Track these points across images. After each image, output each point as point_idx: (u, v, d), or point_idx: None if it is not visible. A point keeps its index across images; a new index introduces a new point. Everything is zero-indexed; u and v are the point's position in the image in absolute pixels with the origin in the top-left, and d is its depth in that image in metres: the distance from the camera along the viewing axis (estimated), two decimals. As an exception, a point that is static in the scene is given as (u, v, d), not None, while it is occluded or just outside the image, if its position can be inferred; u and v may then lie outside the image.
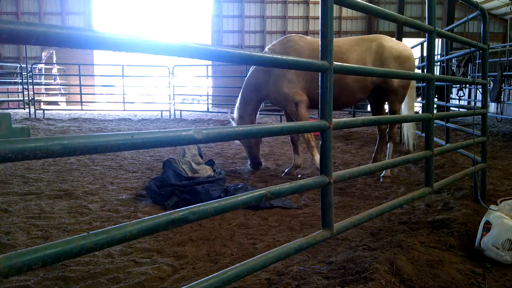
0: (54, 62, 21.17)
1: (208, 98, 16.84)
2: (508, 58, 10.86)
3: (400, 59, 5.24)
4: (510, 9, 19.19)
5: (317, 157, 5.22)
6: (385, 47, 5.26)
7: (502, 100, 10.39)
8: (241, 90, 5.83)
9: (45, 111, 14.92)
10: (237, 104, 5.90)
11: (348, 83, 5.13)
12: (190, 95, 22.97)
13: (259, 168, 6.04)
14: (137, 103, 17.68)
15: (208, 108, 15.98)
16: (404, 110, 5.84)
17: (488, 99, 10.16)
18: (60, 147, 1.04)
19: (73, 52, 21.92)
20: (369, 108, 17.80)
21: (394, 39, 5.55)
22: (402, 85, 5.32)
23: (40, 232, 3.34)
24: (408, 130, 6.19)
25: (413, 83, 5.39)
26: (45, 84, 20.81)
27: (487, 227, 2.76)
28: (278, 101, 5.51)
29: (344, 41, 5.42)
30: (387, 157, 5.53)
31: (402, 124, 5.87)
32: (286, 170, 5.78)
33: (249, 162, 6.09)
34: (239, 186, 4.57)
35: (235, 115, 5.96)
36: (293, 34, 5.58)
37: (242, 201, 1.61)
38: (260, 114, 6.27)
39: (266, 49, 5.65)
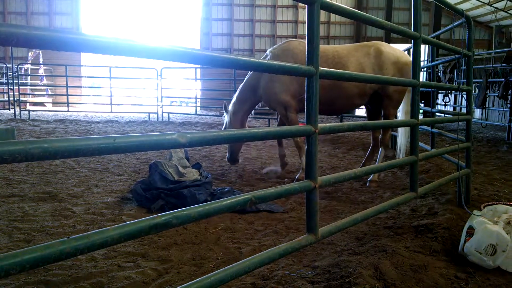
0: (41, 62, 20.90)
1: (196, 101, 16.79)
2: (493, 65, 11.03)
3: (398, 64, 5.27)
4: (495, 16, 19.53)
5: (303, 158, 5.28)
6: (383, 52, 5.29)
7: (487, 106, 10.54)
8: (240, 87, 5.99)
9: (31, 112, 14.73)
10: (233, 100, 6.05)
11: (345, 87, 5.14)
12: (178, 97, 22.90)
13: (235, 164, 6.31)
14: (124, 105, 17.54)
15: (196, 111, 15.94)
16: (401, 115, 5.87)
17: (473, 105, 10.31)
18: (40, 151, 1.02)
19: (60, 53, 21.64)
20: (356, 113, 17.93)
21: (391, 45, 5.59)
22: (397, 91, 5.35)
23: (22, 235, 3.29)
24: (402, 139, 6.07)
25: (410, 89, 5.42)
26: (31, 85, 20.54)
27: (471, 232, 2.79)
28: (270, 103, 5.67)
29: (343, 47, 5.52)
30: (377, 162, 5.55)
31: (398, 132, 5.85)
32: (271, 168, 6.09)
33: (227, 155, 6.27)
34: (225, 189, 4.56)
35: (230, 109, 6.07)
36: (294, 39, 5.67)
37: (226, 205, 1.60)
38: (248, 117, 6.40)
39: (267, 51, 5.74)
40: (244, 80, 5.93)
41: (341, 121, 13.45)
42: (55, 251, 1.08)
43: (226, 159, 6.29)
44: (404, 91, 5.46)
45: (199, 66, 15.90)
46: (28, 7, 23.81)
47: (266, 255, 1.80)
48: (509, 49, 9.78)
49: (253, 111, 6.54)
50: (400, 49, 5.60)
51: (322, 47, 5.40)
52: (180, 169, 4.54)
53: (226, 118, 6.21)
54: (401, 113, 5.81)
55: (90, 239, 1.15)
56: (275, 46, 5.74)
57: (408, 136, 6.17)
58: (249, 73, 5.86)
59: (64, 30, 1.12)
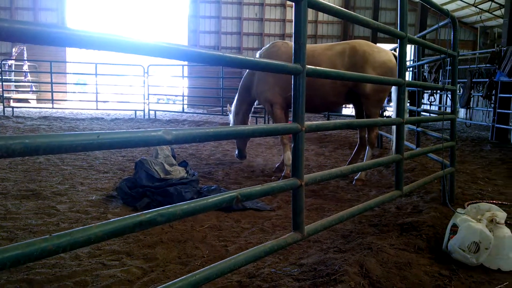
0: (25, 58, 20.56)
1: (183, 99, 16.71)
2: (478, 66, 11.19)
3: (374, 63, 5.15)
4: (480, 17, 19.80)
5: (287, 154, 5.51)
6: (358, 51, 5.21)
7: (471, 106, 10.69)
8: (238, 89, 6.39)
9: (15, 109, 14.50)
10: (234, 101, 6.52)
11: (319, 85, 5.18)
12: (165, 95, 22.75)
13: (243, 159, 6.76)
14: (110, 102, 17.37)
15: (183, 109, 15.85)
16: (394, 115, 5.80)
17: (458, 105, 10.45)
18: (21, 147, 1.00)
19: (45, 48, 21.34)
20: (344, 112, 18.04)
21: (375, 44, 5.47)
22: (375, 90, 5.22)
23: (5, 233, 3.23)
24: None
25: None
26: (15, 81, 20.20)
27: (454, 230, 2.82)
28: (259, 101, 6.01)
29: (321, 46, 5.54)
30: (364, 161, 5.56)
31: (392, 130, 5.78)
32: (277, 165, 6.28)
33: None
34: (212, 188, 4.54)
35: (232, 110, 6.59)
36: (279, 41, 5.86)
37: (212, 203, 1.59)
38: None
39: (257, 54, 5.95)
40: (241, 81, 6.27)
41: (328, 120, 13.51)
42: (37, 248, 1.06)
43: (235, 156, 6.78)
44: (384, 90, 5.35)
45: (186, 63, 15.84)
46: (13, 2, 23.37)
47: (252, 253, 1.79)
48: (494, 49, 9.92)
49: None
50: (383, 48, 5.49)
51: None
52: (167, 167, 4.51)
53: (230, 119, 6.72)
54: (394, 111, 5.71)
55: (73, 236, 1.13)
56: (262, 48, 5.89)
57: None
58: (245, 74, 6.20)
59: (47, 24, 1.09)
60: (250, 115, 6.62)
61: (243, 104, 6.35)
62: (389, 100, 11.34)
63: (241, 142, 6.61)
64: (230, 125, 6.61)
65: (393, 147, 5.50)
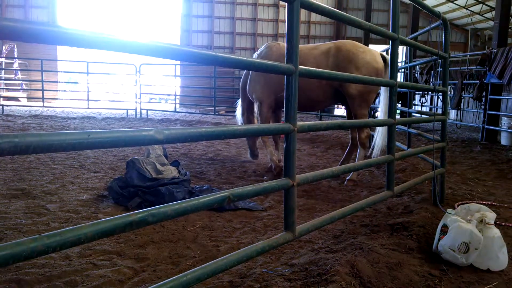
0: (15, 56, 20.36)
1: (175, 98, 16.65)
2: (469, 67, 11.28)
3: (357, 63, 5.10)
4: (471, 19, 19.97)
5: (269, 149, 5.87)
6: (342, 51, 5.19)
7: (462, 107, 10.77)
8: (240, 98, 6.75)
9: (5, 107, 14.35)
10: (238, 111, 6.92)
11: (304, 83, 5.17)
12: (158, 94, 22.67)
13: (255, 158, 6.87)
14: (102, 101, 17.26)
15: (175, 108, 15.80)
16: (380, 115, 5.72)
17: (449, 106, 10.52)
18: (10, 145, 0.99)
19: (36, 46, 21.15)
20: (336, 112, 18.10)
21: (362, 45, 5.43)
22: (360, 90, 5.17)
23: (-7, 233, 3.20)
24: (379, 140, 5.68)
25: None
26: (5, 79, 20.00)
27: (444, 230, 2.84)
28: (252, 100, 6.19)
29: (309, 46, 5.64)
30: (356, 161, 5.56)
31: (375, 132, 5.73)
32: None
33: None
34: (204, 187, 4.54)
35: (238, 110, 6.92)
36: (273, 42, 6.11)
37: (203, 203, 1.59)
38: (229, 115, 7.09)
39: (255, 54, 6.25)
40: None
41: (320, 120, 13.55)
42: (26, 248, 1.05)
43: (248, 156, 6.92)
44: (370, 91, 5.29)
45: (178, 62, 15.78)
46: (3, 0, 23.17)
47: (244, 253, 1.79)
48: (484, 52, 10.01)
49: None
50: (369, 49, 5.44)
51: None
52: (158, 166, 4.49)
53: (238, 119, 7.02)
54: (381, 112, 5.67)
55: (63, 236, 1.12)
56: (258, 49, 6.23)
57: (385, 136, 6.12)
58: (243, 74, 6.53)
59: (38, 22, 1.08)
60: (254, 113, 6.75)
61: (244, 103, 6.64)
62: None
63: (251, 141, 6.76)
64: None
65: (375, 147, 5.47)
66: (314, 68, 2.29)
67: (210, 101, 16.85)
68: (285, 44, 1.99)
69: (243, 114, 6.73)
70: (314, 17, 25.60)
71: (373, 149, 5.44)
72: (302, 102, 5.37)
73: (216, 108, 14.95)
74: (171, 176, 4.43)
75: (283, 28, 25.32)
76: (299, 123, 2.04)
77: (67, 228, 1.15)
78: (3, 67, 19.75)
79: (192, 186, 4.61)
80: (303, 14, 24.26)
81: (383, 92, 5.29)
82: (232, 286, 2.46)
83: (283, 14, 25.37)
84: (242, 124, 6.73)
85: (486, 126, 9.95)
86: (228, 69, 21.28)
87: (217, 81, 14.98)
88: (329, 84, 5.23)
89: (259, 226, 3.67)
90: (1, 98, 16.33)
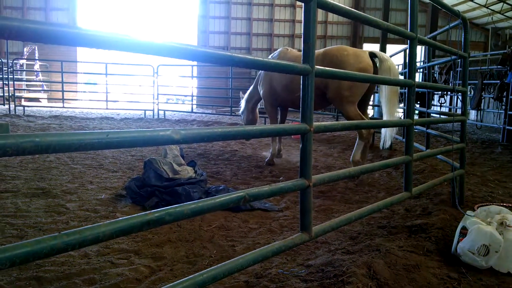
0: (36, 58, 20.77)
1: (192, 99, 16.75)
2: (489, 67, 11.07)
3: (342, 66, 5.17)
4: (492, 18, 19.62)
5: (273, 146, 6.64)
6: (328, 56, 5.45)
7: (482, 108, 10.58)
8: (252, 85, 7.25)
9: (26, 108, 14.65)
10: (246, 95, 7.41)
11: (287, 84, 5.88)
12: (175, 95, 22.83)
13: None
14: (120, 102, 17.47)
15: (192, 109, 15.90)
16: (385, 116, 5.76)
17: (468, 106, 10.35)
18: (31, 145, 1.01)
19: (56, 48, 21.56)
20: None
21: (349, 48, 5.58)
22: (339, 88, 5.31)
23: (15, 231, 3.27)
24: (387, 131, 5.78)
25: (395, 89, 5.40)
26: (27, 80, 20.41)
27: (464, 232, 2.80)
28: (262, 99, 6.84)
29: (300, 53, 5.97)
30: (353, 152, 5.67)
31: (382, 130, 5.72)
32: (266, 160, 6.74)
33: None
34: (220, 188, 4.55)
35: (243, 103, 7.50)
36: (285, 47, 6.58)
37: (220, 202, 1.60)
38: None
39: (269, 56, 6.41)
40: (255, 80, 7.11)
41: (337, 120, 13.47)
42: (46, 246, 1.07)
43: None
44: (350, 91, 5.29)
45: (195, 63, 15.86)
46: (25, 2, 23.66)
47: (260, 253, 1.79)
48: (505, 51, 9.81)
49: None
50: (356, 50, 5.52)
51: (294, 52, 6.34)
52: (175, 166, 4.53)
53: (241, 104, 7.57)
54: (385, 114, 5.42)
55: (82, 234, 1.14)
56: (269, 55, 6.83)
57: (392, 129, 6.03)
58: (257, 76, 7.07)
59: (58, 23, 1.11)
60: (257, 107, 7.48)
61: (252, 99, 7.27)
62: (400, 101, 11.29)
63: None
64: (241, 110, 7.63)
65: (383, 138, 5.49)
66: (330, 68, 2.28)
67: (226, 101, 16.93)
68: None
69: (248, 101, 7.35)
70: (331, 17, 25.47)
71: (385, 141, 5.44)
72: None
73: (233, 108, 14.99)
74: (187, 176, 4.46)
75: (300, 29, 25.26)
76: (315, 124, 2.04)
77: (86, 227, 1.17)
78: (25, 68, 20.16)
79: (209, 186, 4.63)
80: (320, 14, 24.16)
81: (384, 90, 5.26)
82: (248, 286, 2.46)
83: (300, 14, 25.31)
84: (243, 109, 7.49)
85: (507, 127, 9.74)
86: (244, 70, 21.31)
87: (233, 81, 15.02)
88: (317, 87, 5.34)
89: (275, 226, 3.67)
90: (23, 99, 16.67)
